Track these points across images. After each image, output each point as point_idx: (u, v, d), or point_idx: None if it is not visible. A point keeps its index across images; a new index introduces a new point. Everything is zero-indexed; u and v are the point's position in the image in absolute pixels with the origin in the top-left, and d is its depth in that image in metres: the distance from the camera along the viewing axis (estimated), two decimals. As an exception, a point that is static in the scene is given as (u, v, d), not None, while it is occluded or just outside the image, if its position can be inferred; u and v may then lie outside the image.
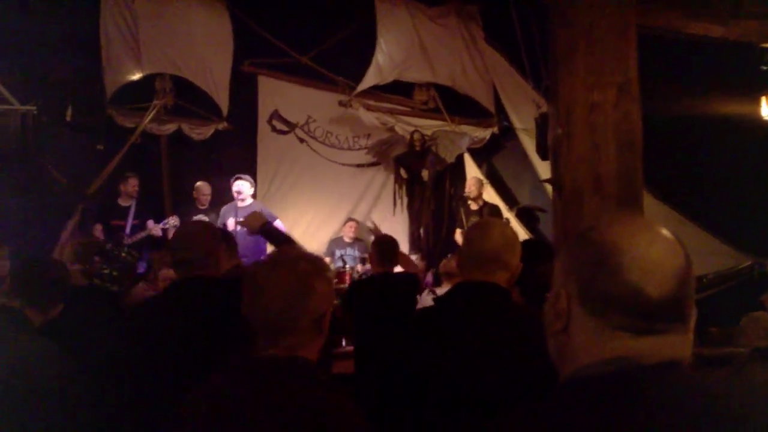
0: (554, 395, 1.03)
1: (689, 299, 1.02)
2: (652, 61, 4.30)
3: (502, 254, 2.04)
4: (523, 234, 7.42)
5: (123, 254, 4.69)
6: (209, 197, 7.49)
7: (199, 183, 7.50)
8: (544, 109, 6.46)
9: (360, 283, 5.40)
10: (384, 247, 4.48)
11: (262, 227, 3.23)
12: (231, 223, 6.95)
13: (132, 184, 7.00)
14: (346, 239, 8.18)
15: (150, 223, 6.97)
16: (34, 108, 6.21)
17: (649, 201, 4.38)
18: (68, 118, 6.88)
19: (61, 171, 6.84)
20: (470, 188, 8.10)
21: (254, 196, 7.54)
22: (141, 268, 6.47)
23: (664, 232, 1.05)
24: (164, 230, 6.99)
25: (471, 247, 2.09)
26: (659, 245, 1.02)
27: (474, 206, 8.00)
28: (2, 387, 2.06)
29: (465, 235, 2.23)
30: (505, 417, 1.05)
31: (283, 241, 3.20)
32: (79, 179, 7.06)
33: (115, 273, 3.81)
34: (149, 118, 7.64)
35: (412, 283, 4.48)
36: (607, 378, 0.99)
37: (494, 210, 7.99)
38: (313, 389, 1.47)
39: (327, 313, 1.58)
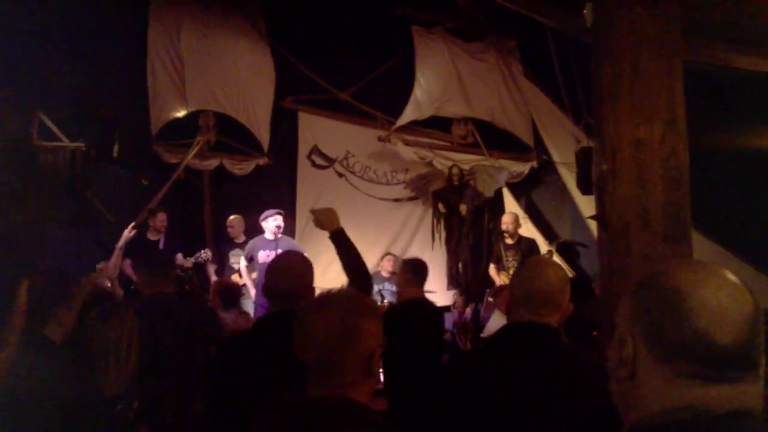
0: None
1: (759, 346, 1.00)
2: (700, 95, 4.25)
3: (556, 295, 2.01)
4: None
5: (177, 272, 4.81)
6: (242, 230, 7.55)
7: (232, 217, 7.59)
8: (585, 143, 6.43)
9: (399, 309, 5.24)
10: (419, 269, 4.45)
11: (335, 231, 3.09)
12: (262, 256, 6.97)
13: (160, 219, 7.05)
14: (384, 274, 8.16)
15: (179, 256, 6.95)
16: (83, 145, 6.37)
17: (697, 238, 4.28)
18: (115, 155, 7.03)
19: (107, 205, 6.98)
20: (506, 224, 8.05)
21: (292, 230, 7.61)
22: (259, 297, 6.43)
23: (732, 277, 1.04)
24: (197, 263, 7.01)
25: (524, 288, 2.05)
26: (727, 291, 1.00)
27: (510, 241, 7.93)
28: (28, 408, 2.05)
29: (517, 274, 2.20)
30: None
31: (349, 250, 3.09)
32: (124, 213, 7.20)
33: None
34: (192, 153, 7.80)
35: (440, 310, 4.49)
36: (676, 427, 0.96)
37: (531, 244, 7.92)
38: (367, 430, 1.47)
39: (376, 353, 1.58)
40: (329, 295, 1.63)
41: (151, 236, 7.08)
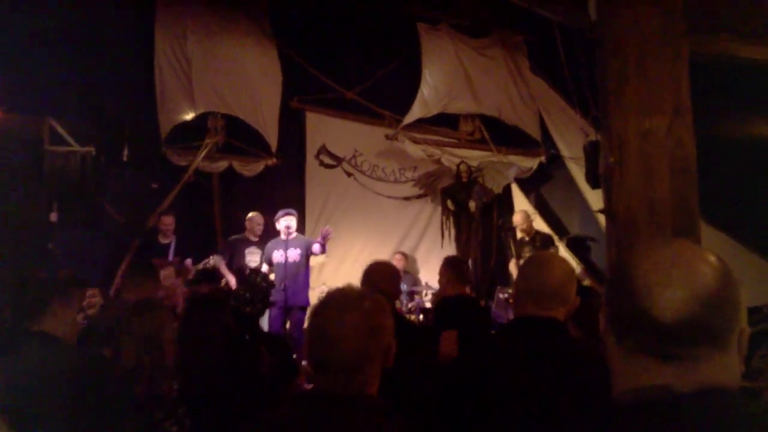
0: (593, 421, 1.04)
1: (720, 323, 0.98)
2: (706, 86, 4.24)
3: (562, 289, 2.02)
4: (574, 264, 7.31)
5: (258, 280, 4.81)
6: (262, 228, 7.53)
7: (252, 213, 7.56)
8: (593, 137, 6.41)
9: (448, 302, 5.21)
10: (460, 267, 4.42)
11: None
12: (276, 256, 7.00)
13: (166, 222, 7.05)
14: (395, 272, 8.16)
15: (188, 262, 6.94)
16: (93, 149, 6.44)
17: (705, 229, 4.27)
18: (124, 158, 7.10)
19: (117, 208, 7.05)
20: (517, 223, 8.05)
21: (302, 230, 7.60)
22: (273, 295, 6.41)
23: (690, 253, 1.03)
24: (207, 270, 6.86)
25: (530, 282, 2.06)
26: (677, 268, 1.00)
27: (526, 237, 7.93)
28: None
29: (522, 270, 2.20)
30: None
31: None
32: (135, 216, 7.25)
33: (248, 295, 3.94)
34: (202, 156, 7.84)
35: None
36: (640, 407, 0.98)
37: (546, 239, 7.90)
38: (386, 422, 1.51)
39: (392, 347, 1.62)
40: (343, 298, 1.63)
41: (162, 239, 7.06)
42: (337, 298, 1.63)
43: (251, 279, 4.79)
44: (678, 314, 0.96)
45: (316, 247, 6.93)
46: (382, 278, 3.36)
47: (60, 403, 2.06)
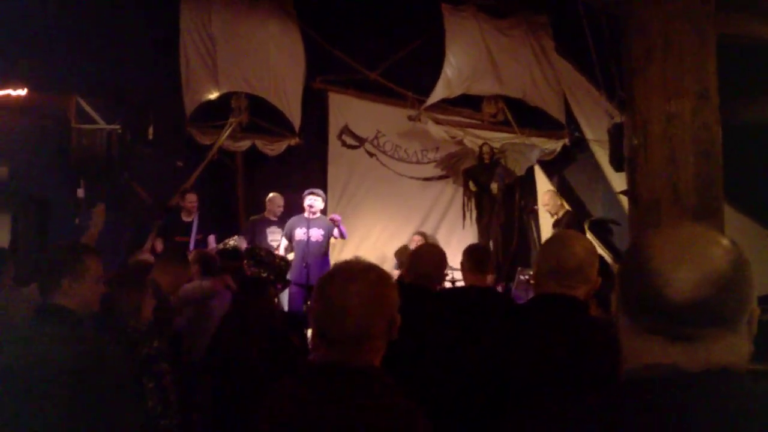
0: (600, 395, 1.05)
1: (730, 306, 1.00)
2: (735, 68, 4.18)
3: (584, 268, 2.03)
4: (597, 247, 7.26)
5: (277, 261, 4.87)
6: (281, 209, 7.60)
7: (272, 194, 7.63)
8: (618, 119, 6.36)
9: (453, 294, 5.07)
10: (479, 256, 4.33)
11: None
12: (299, 234, 7.07)
13: (190, 200, 7.08)
14: (414, 252, 8.19)
15: (211, 238, 7.05)
16: (119, 127, 6.52)
17: (728, 213, 4.23)
18: (150, 137, 7.16)
19: (143, 187, 7.14)
20: (546, 202, 8.01)
21: (324, 210, 7.64)
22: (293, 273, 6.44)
23: (704, 236, 1.05)
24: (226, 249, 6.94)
25: (551, 261, 2.06)
26: (690, 249, 1.02)
27: (555, 217, 7.90)
28: (68, 388, 2.12)
29: (544, 247, 2.21)
30: (551, 406, 1.10)
31: None
32: (159, 194, 7.34)
33: (265, 274, 3.99)
34: (225, 135, 7.90)
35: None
36: (647, 384, 1.00)
37: (572, 218, 7.87)
38: (391, 395, 1.55)
39: (396, 320, 1.64)
40: (349, 269, 1.66)
41: (185, 217, 7.12)
42: (343, 269, 1.66)
43: (267, 259, 4.84)
44: (690, 296, 0.98)
45: (336, 232, 7.03)
46: (427, 263, 3.43)
47: (56, 393, 2.10)
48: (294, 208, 7.62)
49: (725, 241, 1.04)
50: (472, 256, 4.24)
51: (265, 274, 3.77)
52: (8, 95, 6.10)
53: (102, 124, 6.55)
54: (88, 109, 6.66)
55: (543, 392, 1.84)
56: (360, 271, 1.64)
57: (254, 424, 1.64)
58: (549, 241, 2.31)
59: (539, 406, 1.11)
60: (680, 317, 0.99)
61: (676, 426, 0.94)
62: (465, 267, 4.21)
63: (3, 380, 2.12)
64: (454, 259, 8.28)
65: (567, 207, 8.11)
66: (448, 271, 7.68)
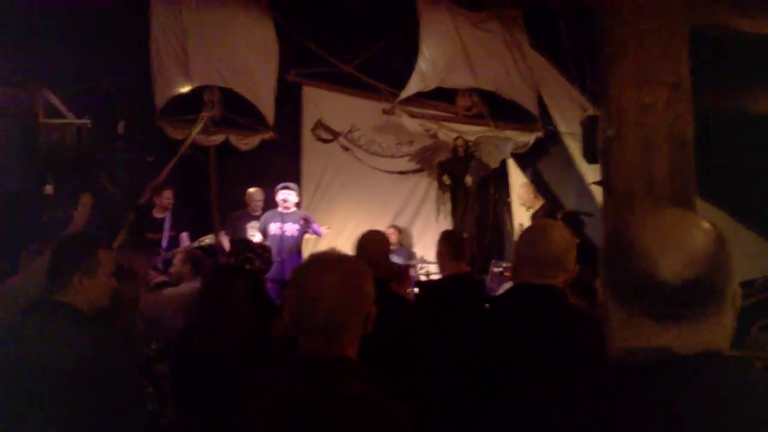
0: (591, 379, 1.06)
1: (717, 284, 1.01)
2: (708, 58, 4.22)
3: (562, 257, 2.03)
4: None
5: (259, 249, 4.84)
6: (261, 203, 7.52)
7: (251, 189, 7.55)
8: (590, 112, 6.41)
9: (435, 286, 4.99)
10: (457, 243, 4.28)
11: None
12: (273, 228, 7.02)
13: (166, 196, 6.94)
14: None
15: (184, 236, 6.93)
16: (88, 122, 6.38)
17: (701, 204, 4.28)
18: (120, 131, 7.04)
19: (113, 182, 7.01)
20: (521, 195, 8.05)
21: (299, 204, 7.59)
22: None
23: (685, 218, 1.07)
24: (201, 247, 6.72)
25: (530, 250, 2.07)
26: (675, 230, 1.04)
27: (531, 210, 7.95)
28: (76, 387, 2.07)
29: (522, 237, 2.21)
30: (539, 390, 1.10)
31: None
32: (130, 190, 7.22)
33: (249, 254, 3.91)
34: (198, 129, 7.80)
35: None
36: (639, 368, 1.00)
37: (548, 210, 7.93)
38: (364, 386, 1.54)
39: (372, 313, 1.63)
40: (325, 259, 1.65)
41: (157, 214, 6.95)
42: (318, 259, 1.66)
43: (242, 241, 4.80)
44: (679, 275, 0.99)
45: (310, 231, 7.08)
46: (376, 250, 3.39)
47: (57, 394, 2.04)
48: (273, 202, 7.57)
49: (705, 223, 1.06)
50: (451, 243, 4.22)
51: (255, 264, 3.70)
52: (-28, 90, 5.95)
53: (71, 119, 6.42)
54: (56, 103, 6.52)
55: (531, 381, 1.83)
56: (335, 261, 1.63)
57: (229, 416, 1.62)
58: (527, 230, 2.31)
59: (529, 393, 1.10)
60: (671, 298, 1.00)
61: (669, 409, 0.94)
62: (444, 254, 4.18)
63: (3, 381, 2.05)
64: (428, 251, 8.32)
65: (542, 200, 8.16)
66: (422, 264, 7.74)
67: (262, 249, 3.84)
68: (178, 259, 4.86)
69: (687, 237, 1.03)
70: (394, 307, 3.04)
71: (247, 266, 3.56)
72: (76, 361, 2.08)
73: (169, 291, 4.25)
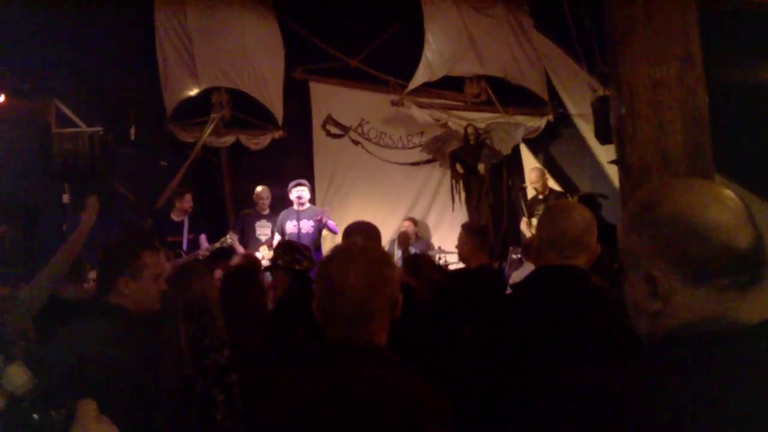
0: (655, 352, 1.05)
1: (766, 246, 1.05)
2: (718, 32, 4.17)
3: (584, 237, 2.02)
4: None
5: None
6: (269, 201, 7.52)
7: (259, 188, 7.56)
8: (600, 92, 6.35)
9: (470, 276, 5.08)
10: (483, 234, 4.29)
11: None
12: (289, 227, 7.04)
13: (188, 200, 6.97)
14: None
15: (202, 237, 6.98)
16: (100, 129, 6.44)
17: (718, 179, 4.24)
18: (132, 137, 7.09)
19: (128, 188, 7.06)
20: (532, 180, 8.01)
21: (312, 200, 7.59)
22: None
23: (718, 187, 1.10)
24: (223, 248, 6.87)
25: (552, 231, 2.06)
26: (725, 200, 1.06)
27: (540, 195, 7.91)
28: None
29: (543, 219, 2.19)
30: (592, 368, 1.08)
31: None
32: (145, 195, 7.27)
33: (296, 255, 3.95)
34: (208, 132, 7.84)
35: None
36: (708, 338, 1.00)
37: (560, 197, 7.88)
38: (395, 370, 1.56)
39: (399, 300, 1.66)
40: (349, 249, 1.69)
41: (176, 217, 6.98)
42: (342, 250, 1.69)
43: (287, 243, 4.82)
44: (751, 239, 1.02)
45: (328, 226, 7.08)
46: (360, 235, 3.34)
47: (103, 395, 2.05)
48: (283, 201, 7.58)
49: (724, 188, 1.09)
50: (477, 234, 4.22)
51: (303, 264, 3.71)
52: (-15, 103, 6.00)
53: (83, 127, 6.47)
54: (67, 112, 6.58)
55: (561, 362, 1.82)
56: (359, 250, 1.67)
57: (261, 411, 1.63)
58: (546, 212, 2.30)
59: (582, 372, 1.08)
60: (753, 262, 1.02)
61: (740, 379, 0.94)
62: (470, 245, 4.17)
63: (56, 381, 2.07)
64: (445, 241, 8.29)
65: (549, 186, 8.08)
66: (441, 255, 7.72)
67: (306, 248, 3.86)
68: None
69: (738, 203, 1.05)
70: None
71: (296, 267, 3.57)
72: (121, 363, 2.09)
73: None
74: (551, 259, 2.04)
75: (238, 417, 2.57)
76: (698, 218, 1.03)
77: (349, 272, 1.59)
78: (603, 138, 6.05)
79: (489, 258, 4.52)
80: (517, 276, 5.28)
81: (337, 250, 1.70)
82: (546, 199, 7.84)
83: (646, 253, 1.08)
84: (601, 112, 5.98)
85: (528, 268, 5.53)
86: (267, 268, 4.00)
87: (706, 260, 1.02)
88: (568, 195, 8.07)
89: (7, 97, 6.08)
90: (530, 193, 8.35)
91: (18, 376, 0.86)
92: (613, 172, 6.30)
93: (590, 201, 7.99)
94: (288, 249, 3.69)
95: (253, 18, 8.19)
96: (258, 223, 7.43)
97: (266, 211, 7.46)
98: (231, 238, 6.94)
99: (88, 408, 0.83)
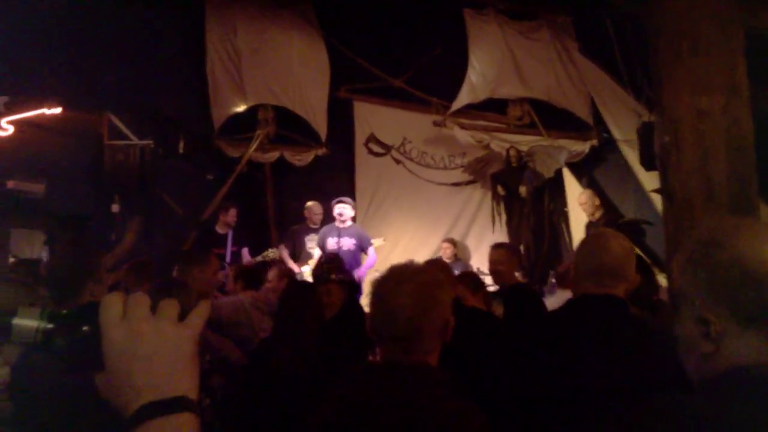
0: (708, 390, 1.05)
1: None
2: (764, 61, 4.12)
3: (623, 266, 2.01)
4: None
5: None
6: (321, 216, 7.61)
7: (310, 203, 7.66)
8: (646, 118, 6.31)
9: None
10: (519, 253, 4.32)
11: None
12: (330, 243, 7.10)
13: (232, 214, 7.11)
14: (445, 259, 8.17)
15: (245, 251, 7.11)
16: (151, 142, 6.64)
17: (764, 209, 4.18)
18: (181, 151, 7.27)
19: (175, 200, 7.24)
20: (583, 201, 7.86)
21: (354, 218, 7.66)
22: None
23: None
24: (264, 263, 6.73)
25: (590, 260, 2.05)
26: None
27: (592, 218, 7.80)
28: None
29: (581, 248, 2.19)
30: (668, 400, 1.07)
31: None
32: (192, 207, 7.44)
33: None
34: (253, 147, 7.99)
35: None
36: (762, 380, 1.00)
37: (609, 220, 7.75)
38: (442, 392, 1.56)
39: (450, 322, 1.67)
40: (402, 271, 1.71)
41: (220, 230, 7.13)
42: (396, 271, 1.72)
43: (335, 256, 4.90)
44: None
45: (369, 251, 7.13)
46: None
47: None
48: (331, 216, 7.62)
49: None
50: (515, 254, 4.16)
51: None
52: (43, 114, 6.25)
53: (134, 140, 6.69)
54: (120, 125, 6.81)
55: (600, 394, 1.80)
56: (413, 272, 1.69)
57: (307, 427, 1.67)
58: (585, 241, 2.30)
59: (647, 408, 1.08)
60: None
61: None
62: (509, 267, 4.14)
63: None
64: (484, 263, 8.24)
65: (602, 209, 7.97)
66: (480, 276, 7.68)
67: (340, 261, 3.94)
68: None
69: None
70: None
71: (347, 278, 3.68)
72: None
73: (249, 295, 4.29)
74: (589, 288, 2.03)
75: (226, 419, 2.65)
76: (758, 264, 1.03)
77: (402, 293, 1.62)
78: (648, 164, 6.01)
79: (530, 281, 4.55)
80: (552, 302, 5.25)
81: (391, 271, 1.72)
82: (598, 221, 7.74)
83: (701, 295, 1.08)
84: (646, 138, 5.95)
85: (561, 295, 5.49)
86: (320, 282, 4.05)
87: (762, 306, 1.03)
88: (618, 219, 7.94)
89: (63, 109, 6.33)
90: (573, 217, 8.27)
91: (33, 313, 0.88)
92: (658, 199, 6.23)
93: (633, 228, 7.91)
94: (338, 262, 3.77)
95: (300, 38, 8.35)
96: (307, 237, 7.52)
97: (317, 226, 7.55)
98: (274, 252, 7.05)
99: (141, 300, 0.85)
